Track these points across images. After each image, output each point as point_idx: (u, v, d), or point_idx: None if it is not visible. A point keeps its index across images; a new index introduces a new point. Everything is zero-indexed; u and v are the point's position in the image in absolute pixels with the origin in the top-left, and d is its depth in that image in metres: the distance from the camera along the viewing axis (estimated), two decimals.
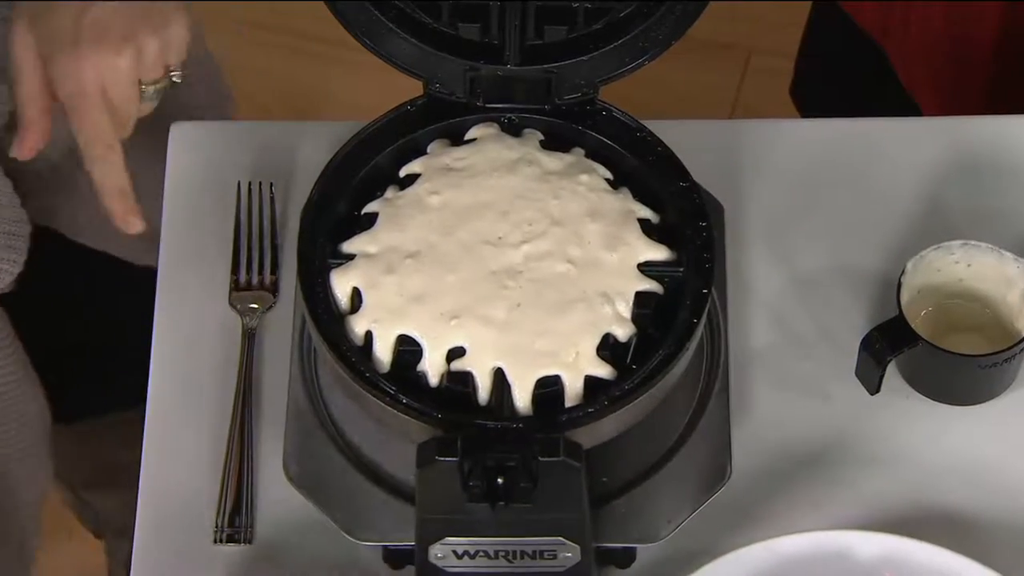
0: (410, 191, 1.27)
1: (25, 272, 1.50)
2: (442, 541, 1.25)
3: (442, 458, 1.19)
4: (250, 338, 1.42)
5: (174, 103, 1.48)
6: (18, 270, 1.47)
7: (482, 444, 1.18)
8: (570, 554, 1.26)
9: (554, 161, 1.28)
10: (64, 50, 1.29)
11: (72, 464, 1.87)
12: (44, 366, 1.61)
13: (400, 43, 1.28)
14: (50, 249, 1.56)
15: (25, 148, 1.32)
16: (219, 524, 1.36)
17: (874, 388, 1.37)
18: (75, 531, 2.09)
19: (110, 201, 1.32)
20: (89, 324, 1.71)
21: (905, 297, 1.35)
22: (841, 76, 1.80)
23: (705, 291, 1.24)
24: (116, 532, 1.99)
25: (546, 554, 1.26)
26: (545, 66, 1.29)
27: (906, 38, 1.68)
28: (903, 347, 1.34)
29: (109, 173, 1.31)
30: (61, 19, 1.30)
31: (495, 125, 1.30)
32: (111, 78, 1.30)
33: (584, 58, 1.29)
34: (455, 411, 1.20)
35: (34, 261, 1.52)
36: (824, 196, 1.46)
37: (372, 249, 1.25)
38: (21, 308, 1.56)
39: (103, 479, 1.90)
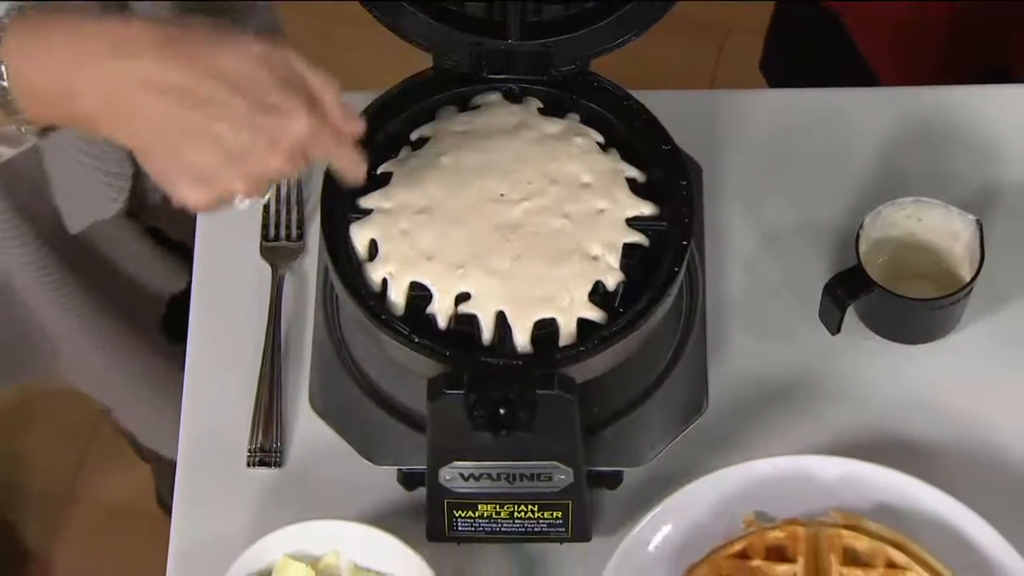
0: (421, 153, 1.27)
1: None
2: (450, 465, 1.25)
3: (450, 391, 1.19)
4: (279, 285, 1.42)
5: None
6: (119, 206, 1.46)
7: (486, 379, 1.19)
8: (564, 476, 1.26)
9: (551, 126, 1.28)
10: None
11: None
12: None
13: (411, 19, 1.28)
14: None
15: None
16: (252, 450, 1.36)
17: (835, 329, 1.37)
18: (126, 456, 2.10)
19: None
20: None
21: (863, 248, 1.35)
22: (806, 51, 1.80)
23: (685, 243, 1.24)
24: (159, 458, 1.99)
25: (543, 476, 1.26)
26: (543, 41, 1.29)
27: (866, 15, 1.67)
28: (861, 293, 1.34)
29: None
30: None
31: (498, 93, 1.30)
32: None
33: (578, 34, 1.28)
34: (462, 350, 1.21)
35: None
36: (791, 159, 1.46)
37: (387, 205, 1.25)
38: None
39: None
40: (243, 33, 1.11)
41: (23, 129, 1.13)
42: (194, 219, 1.48)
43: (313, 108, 1.11)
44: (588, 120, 1.29)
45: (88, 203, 1.47)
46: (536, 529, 1.30)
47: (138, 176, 1.51)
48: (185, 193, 1.12)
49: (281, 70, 1.11)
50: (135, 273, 1.65)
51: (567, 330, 1.21)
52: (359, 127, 1.15)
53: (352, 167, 1.16)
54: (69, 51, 1.09)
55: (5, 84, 1.10)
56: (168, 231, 1.62)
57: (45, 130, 1.15)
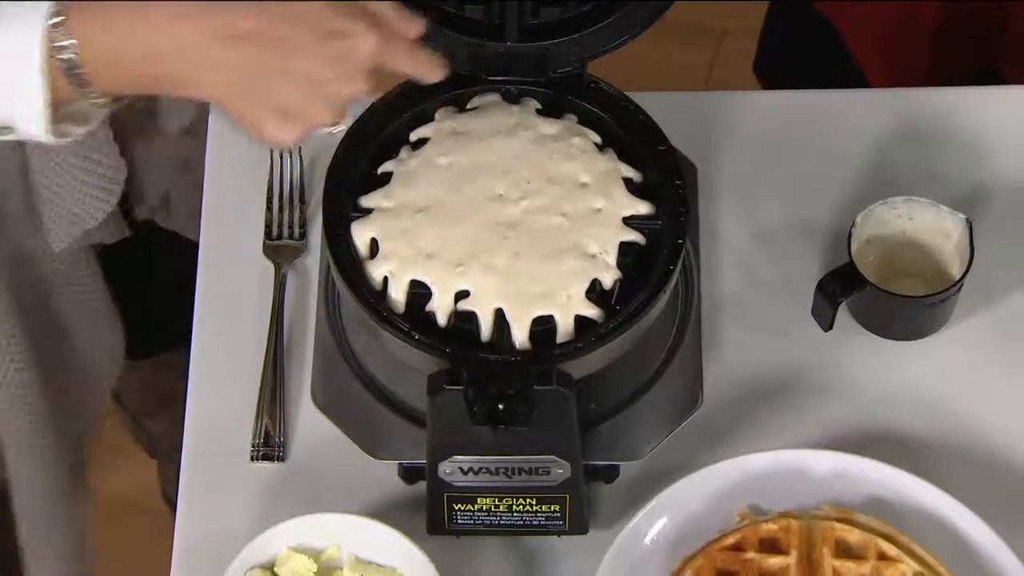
0: (421, 153, 1.27)
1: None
2: (450, 459, 1.25)
3: (450, 387, 1.19)
4: (282, 283, 1.42)
5: None
6: (110, 208, 1.46)
7: (485, 375, 1.19)
8: (562, 470, 1.26)
9: (549, 126, 1.28)
10: None
11: (132, 394, 1.88)
12: (123, 311, 1.62)
13: None
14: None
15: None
16: (255, 444, 1.36)
17: (827, 326, 1.37)
18: (132, 453, 2.09)
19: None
20: (160, 284, 1.71)
21: (855, 246, 1.35)
22: (799, 53, 1.80)
23: (680, 241, 1.24)
24: (167, 453, 1.99)
25: (541, 470, 1.26)
26: (541, 43, 1.29)
27: (857, 17, 1.67)
28: (853, 290, 1.34)
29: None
30: None
31: (496, 94, 1.30)
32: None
33: (575, 36, 1.28)
34: (461, 346, 1.21)
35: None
36: (785, 159, 1.47)
37: (388, 204, 1.25)
38: (109, 261, 1.57)
39: (157, 407, 1.91)
40: None
41: (95, 103, 1.16)
42: (191, 210, 1.48)
43: (377, 24, 1.14)
44: (585, 121, 1.29)
45: (79, 210, 1.46)
46: (534, 522, 1.30)
47: (133, 176, 1.52)
48: (274, 132, 1.15)
49: None
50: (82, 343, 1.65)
51: (565, 327, 1.21)
52: (419, 28, 1.18)
53: (429, 68, 1.20)
54: (140, 17, 1.12)
55: (76, 57, 1.12)
56: (163, 223, 1.62)
57: (116, 100, 1.18)
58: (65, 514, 1.59)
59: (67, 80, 1.14)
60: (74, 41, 1.12)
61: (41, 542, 1.57)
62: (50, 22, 1.12)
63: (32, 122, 1.15)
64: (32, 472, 1.56)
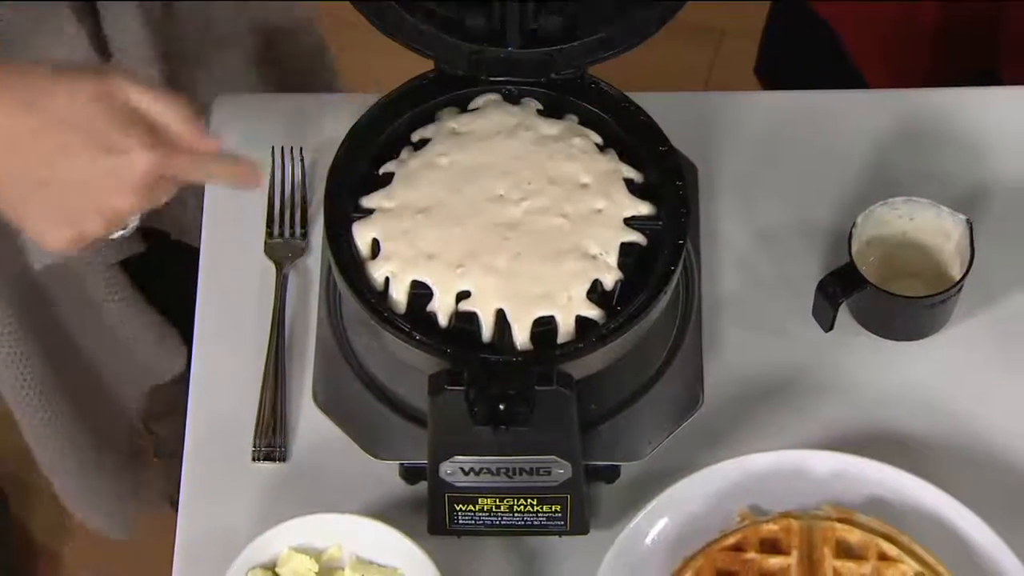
0: (422, 153, 1.27)
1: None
2: (451, 459, 1.25)
3: (451, 387, 1.19)
4: (283, 283, 1.42)
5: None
6: (135, 225, 1.46)
7: (486, 375, 1.18)
8: (562, 471, 1.26)
9: (550, 127, 1.27)
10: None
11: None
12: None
13: (411, 29, 1.28)
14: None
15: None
16: (257, 445, 1.36)
17: (828, 326, 1.37)
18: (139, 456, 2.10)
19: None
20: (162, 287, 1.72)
21: (855, 247, 1.35)
22: (800, 55, 1.80)
23: (681, 242, 1.23)
24: (171, 454, 1.99)
25: (541, 471, 1.26)
26: (543, 50, 1.28)
27: (857, 21, 1.67)
28: (853, 290, 1.34)
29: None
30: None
31: (498, 95, 1.30)
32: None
33: (577, 44, 1.28)
34: (462, 346, 1.21)
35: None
36: (785, 159, 1.46)
37: (389, 204, 1.25)
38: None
39: (165, 409, 1.91)
40: (80, 75, 1.12)
41: None
42: (193, 217, 1.48)
43: (154, 140, 1.12)
44: (586, 121, 1.29)
45: None
46: (535, 522, 1.30)
47: None
48: (49, 236, 1.14)
49: (118, 106, 1.11)
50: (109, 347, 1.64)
51: (566, 327, 1.21)
52: (214, 143, 1.16)
53: (233, 177, 1.18)
54: None
55: None
56: (170, 232, 1.62)
57: None
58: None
59: None
60: None
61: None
62: None
63: None
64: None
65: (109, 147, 1.11)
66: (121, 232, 1.16)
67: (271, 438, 1.36)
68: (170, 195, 1.15)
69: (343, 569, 1.30)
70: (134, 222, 1.17)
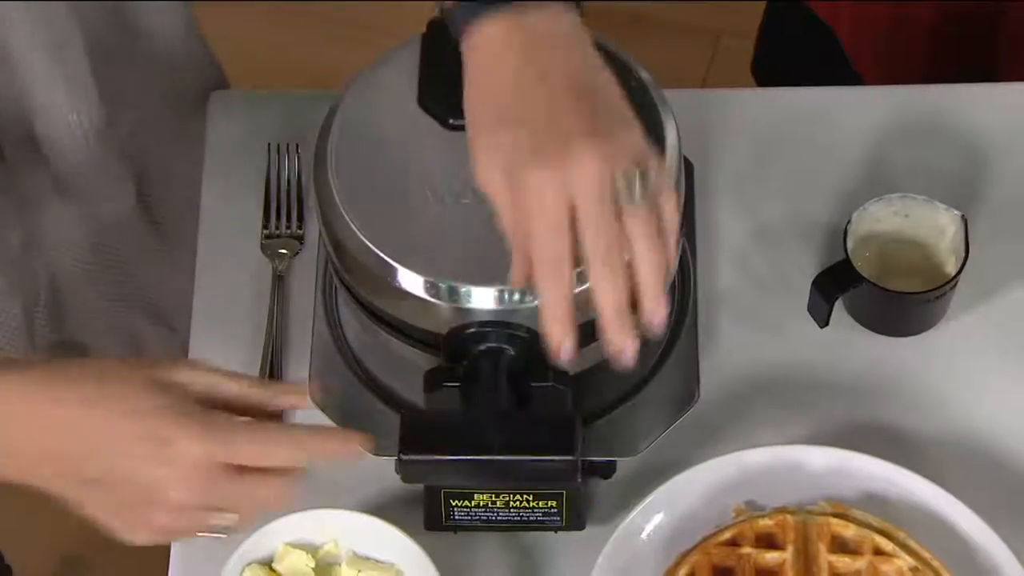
0: None
1: None
2: None
3: (447, 384, 1.19)
4: (279, 280, 1.42)
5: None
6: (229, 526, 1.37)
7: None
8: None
9: None
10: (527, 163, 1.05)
11: None
12: None
13: None
14: None
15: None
16: None
17: (823, 322, 1.37)
18: None
19: (549, 327, 1.09)
20: None
21: (850, 243, 1.35)
22: (796, 54, 1.80)
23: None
24: None
25: None
26: None
27: (853, 20, 1.67)
28: (849, 286, 1.34)
29: (553, 299, 1.08)
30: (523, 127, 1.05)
31: None
32: (579, 191, 1.05)
33: None
34: (458, 343, 1.20)
35: None
36: (781, 156, 1.46)
37: None
38: None
39: None
40: (135, 366, 1.07)
41: None
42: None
43: (204, 430, 1.04)
44: None
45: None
46: (531, 518, 1.30)
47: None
48: (118, 530, 1.09)
49: (176, 396, 1.05)
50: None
51: None
52: (298, 398, 1.11)
53: (326, 457, 1.10)
54: None
55: None
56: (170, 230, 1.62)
57: None
58: None
59: None
60: None
61: None
62: None
63: None
64: None
65: (157, 439, 1.04)
66: (218, 535, 1.10)
67: None
68: (266, 492, 1.07)
69: (340, 565, 1.29)
70: (231, 523, 1.09)
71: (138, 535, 1.08)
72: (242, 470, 1.06)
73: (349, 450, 1.09)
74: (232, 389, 1.08)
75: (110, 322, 1.56)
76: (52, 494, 1.07)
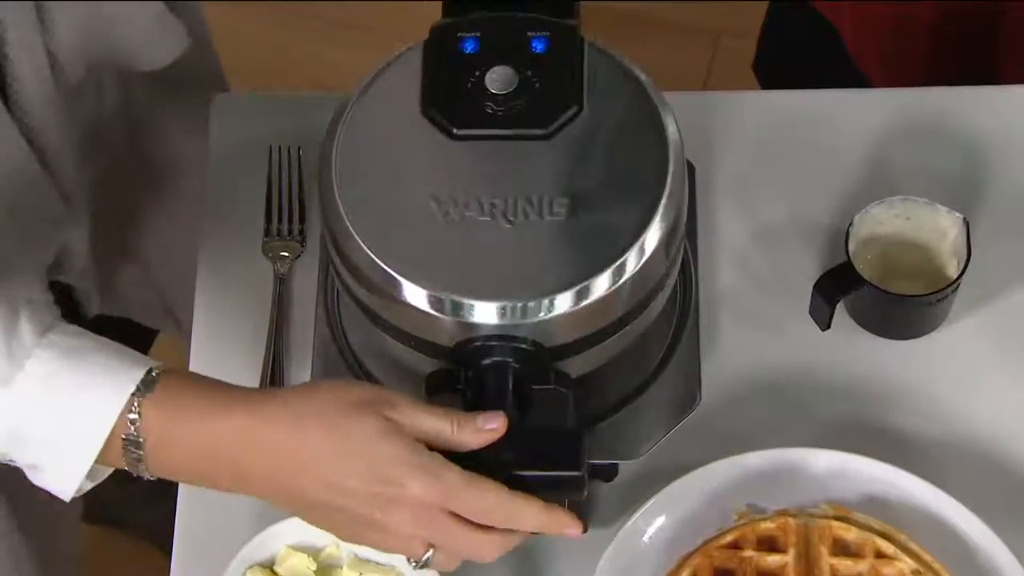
0: None
1: None
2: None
3: (448, 387, 1.19)
4: (281, 282, 1.42)
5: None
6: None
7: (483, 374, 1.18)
8: None
9: None
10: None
11: None
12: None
13: None
14: None
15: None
16: None
17: (825, 325, 1.37)
18: None
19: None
20: None
21: (852, 246, 1.35)
22: (798, 54, 1.79)
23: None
24: None
25: None
26: None
27: (855, 19, 1.67)
28: (850, 289, 1.34)
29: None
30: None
31: None
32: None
33: None
34: (459, 346, 1.19)
35: None
36: (782, 158, 1.46)
37: None
38: None
39: None
40: (367, 408, 1.12)
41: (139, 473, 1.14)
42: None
43: (429, 477, 1.12)
44: None
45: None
46: None
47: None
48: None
49: (406, 439, 1.11)
50: None
51: None
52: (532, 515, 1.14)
53: (558, 527, 1.16)
54: (222, 415, 1.12)
55: (142, 453, 1.11)
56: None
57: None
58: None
59: (121, 451, 1.11)
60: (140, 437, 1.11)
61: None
62: (136, 395, 1.11)
63: (62, 477, 1.12)
64: None
65: (391, 483, 1.11)
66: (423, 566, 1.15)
67: None
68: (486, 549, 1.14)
69: (341, 567, 1.29)
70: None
71: (358, 544, 1.19)
72: (462, 519, 1.12)
73: (559, 532, 1.15)
74: (444, 434, 1.13)
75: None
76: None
